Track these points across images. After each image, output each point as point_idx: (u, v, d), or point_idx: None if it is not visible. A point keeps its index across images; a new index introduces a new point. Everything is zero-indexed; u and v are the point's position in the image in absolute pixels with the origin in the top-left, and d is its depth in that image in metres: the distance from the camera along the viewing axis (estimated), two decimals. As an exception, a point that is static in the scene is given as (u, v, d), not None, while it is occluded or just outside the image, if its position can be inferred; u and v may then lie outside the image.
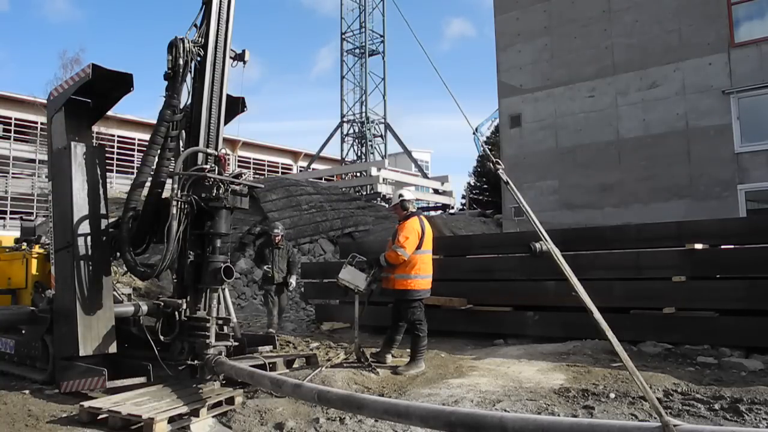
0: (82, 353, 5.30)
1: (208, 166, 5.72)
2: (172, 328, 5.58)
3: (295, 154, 40.16)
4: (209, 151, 5.87)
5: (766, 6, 13.43)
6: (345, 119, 34.50)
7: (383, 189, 25.90)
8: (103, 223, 5.92)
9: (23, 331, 6.38)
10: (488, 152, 7.93)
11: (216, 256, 5.68)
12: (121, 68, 6.12)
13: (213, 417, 4.71)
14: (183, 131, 6.03)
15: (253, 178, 34.15)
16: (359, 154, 34.67)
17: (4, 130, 27.43)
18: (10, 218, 25.74)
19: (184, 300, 5.68)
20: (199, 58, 5.99)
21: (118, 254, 5.98)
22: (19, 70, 71.38)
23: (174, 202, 5.42)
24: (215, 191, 5.60)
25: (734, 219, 10.53)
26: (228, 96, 6.31)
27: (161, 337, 5.56)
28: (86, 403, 4.63)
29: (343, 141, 34.86)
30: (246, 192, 5.90)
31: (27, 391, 5.45)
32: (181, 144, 6.08)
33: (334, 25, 34.76)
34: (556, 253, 3.50)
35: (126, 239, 5.82)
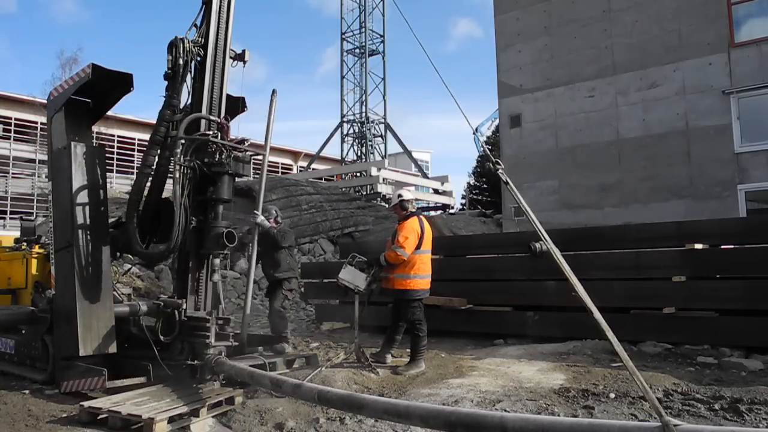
0: (82, 353, 5.29)
1: (211, 132, 5.76)
2: (172, 328, 5.58)
3: (295, 154, 40.12)
4: (212, 117, 5.91)
5: (766, 6, 13.43)
6: (345, 119, 34.50)
7: (383, 189, 25.87)
8: (103, 223, 5.92)
9: (23, 331, 6.38)
10: (488, 152, 7.92)
11: (218, 221, 5.72)
12: (124, 68, 6.14)
13: (213, 417, 4.71)
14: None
15: (253, 178, 34.05)
16: (359, 154, 34.65)
17: (4, 130, 27.41)
18: (10, 218, 25.72)
19: (184, 300, 5.68)
20: (199, 58, 6.00)
21: (119, 254, 5.98)
22: (25, 70, 71.30)
23: (177, 167, 5.46)
24: (218, 156, 5.63)
25: (734, 219, 10.53)
26: (228, 96, 6.32)
27: (161, 337, 5.57)
28: (86, 403, 4.63)
29: (343, 141, 34.87)
30: (248, 159, 5.96)
31: (27, 391, 5.45)
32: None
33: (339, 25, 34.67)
34: (556, 253, 3.50)
35: (133, 232, 5.81)
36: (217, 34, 6.12)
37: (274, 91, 6.60)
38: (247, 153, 5.95)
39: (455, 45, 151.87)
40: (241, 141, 5.96)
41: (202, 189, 5.76)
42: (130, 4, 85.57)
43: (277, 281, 7.13)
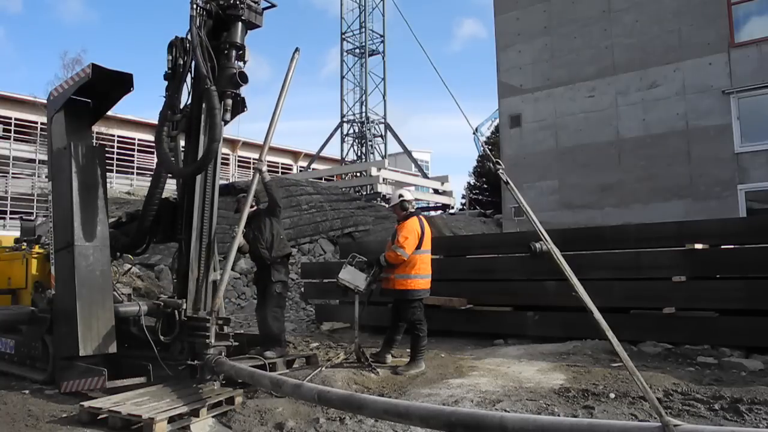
0: (82, 353, 5.29)
1: None
2: (172, 328, 5.58)
3: (295, 154, 40.13)
4: None
5: (766, 6, 13.44)
6: (345, 119, 34.51)
7: (383, 189, 25.89)
8: (103, 223, 5.92)
9: (23, 331, 6.38)
10: (488, 152, 7.93)
11: (231, 63, 5.94)
12: (129, 69, 6.15)
13: (213, 417, 4.71)
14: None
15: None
16: (359, 154, 34.67)
17: (4, 130, 27.41)
18: (10, 218, 25.71)
19: (184, 300, 5.68)
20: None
21: (119, 254, 5.97)
22: (30, 71, 71.01)
23: (193, 6, 5.67)
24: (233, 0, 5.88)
25: (734, 219, 10.54)
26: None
27: (161, 337, 5.57)
28: (86, 403, 4.63)
29: (343, 141, 34.88)
30: (260, 11, 6.19)
31: (27, 391, 5.45)
32: (181, 144, 6.10)
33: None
34: (556, 253, 3.51)
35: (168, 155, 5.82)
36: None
37: (297, 50, 6.60)
38: (260, 5, 6.16)
39: (460, 45, 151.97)
40: None
41: (216, 35, 5.98)
42: (138, 4, 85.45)
43: (268, 269, 6.52)
